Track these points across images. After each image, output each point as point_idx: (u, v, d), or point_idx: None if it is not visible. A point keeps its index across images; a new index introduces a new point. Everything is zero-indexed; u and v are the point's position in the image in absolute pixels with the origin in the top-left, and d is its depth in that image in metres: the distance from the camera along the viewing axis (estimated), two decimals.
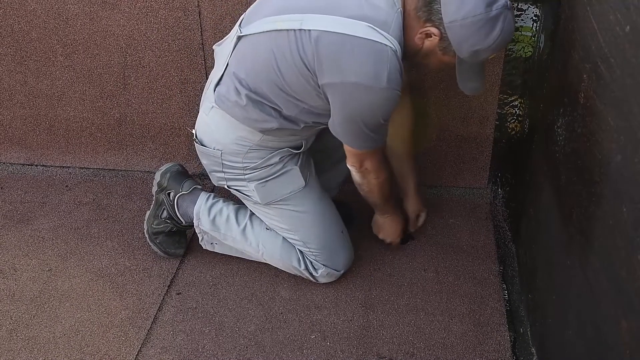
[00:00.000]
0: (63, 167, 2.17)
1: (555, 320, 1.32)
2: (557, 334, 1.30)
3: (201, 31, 1.88)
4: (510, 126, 1.92)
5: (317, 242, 1.61)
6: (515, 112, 1.89)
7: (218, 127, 1.53)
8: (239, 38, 1.45)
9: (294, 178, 1.57)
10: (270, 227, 1.65)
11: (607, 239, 1.04)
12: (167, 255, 1.76)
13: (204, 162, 1.63)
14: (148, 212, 1.77)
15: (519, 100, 1.87)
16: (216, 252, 1.76)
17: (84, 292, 1.68)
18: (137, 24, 1.89)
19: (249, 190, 1.58)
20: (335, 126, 1.41)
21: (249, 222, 1.66)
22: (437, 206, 1.96)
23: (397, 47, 1.30)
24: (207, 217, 1.67)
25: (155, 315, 1.60)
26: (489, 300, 1.63)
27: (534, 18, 1.73)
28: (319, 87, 1.35)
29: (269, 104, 1.43)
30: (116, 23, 1.89)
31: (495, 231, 1.88)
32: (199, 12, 1.85)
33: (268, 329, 1.57)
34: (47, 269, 1.76)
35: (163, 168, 1.77)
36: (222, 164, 1.57)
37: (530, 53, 1.77)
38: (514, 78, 1.83)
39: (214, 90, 1.50)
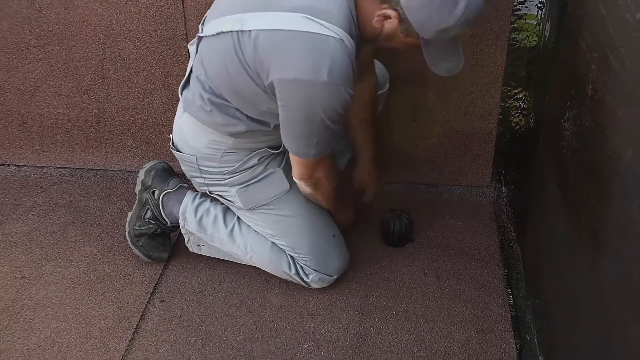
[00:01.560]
0: (37, 166, 2.15)
1: (563, 326, 1.32)
2: (565, 340, 1.30)
3: (185, 21, 1.87)
4: (515, 120, 1.92)
5: (307, 248, 1.61)
6: (520, 105, 1.89)
7: (190, 132, 1.54)
8: (199, 39, 1.45)
9: (277, 181, 1.57)
10: (257, 231, 1.65)
11: (618, 240, 1.04)
12: (150, 259, 1.75)
13: (183, 168, 1.63)
14: (130, 213, 1.76)
15: (524, 92, 1.87)
16: (202, 257, 1.76)
17: (61, 301, 1.67)
18: (116, 13, 1.88)
19: (231, 195, 1.58)
20: (282, 131, 1.38)
21: (237, 224, 1.66)
22: (437, 206, 1.96)
23: (344, 35, 1.26)
24: (194, 217, 1.66)
25: (137, 325, 1.60)
26: (493, 305, 1.64)
27: (539, 5, 1.73)
28: (266, 88, 1.33)
29: (232, 106, 1.42)
30: (93, 12, 1.88)
31: (499, 232, 1.89)
32: (183, 1, 1.84)
33: (258, 338, 1.56)
34: (20, 276, 1.74)
35: (147, 165, 1.77)
36: (200, 169, 1.58)
37: (535, 42, 1.78)
38: (518, 69, 1.83)
39: (181, 94, 1.52)
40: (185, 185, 1.74)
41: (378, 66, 1.71)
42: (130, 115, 2.04)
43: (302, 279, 1.64)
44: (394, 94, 1.83)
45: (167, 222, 1.72)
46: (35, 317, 1.62)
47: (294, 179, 1.50)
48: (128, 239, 1.75)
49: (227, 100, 1.42)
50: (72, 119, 2.07)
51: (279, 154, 1.56)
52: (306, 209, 1.61)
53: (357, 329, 1.58)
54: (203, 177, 1.59)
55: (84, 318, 1.62)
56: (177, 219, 1.70)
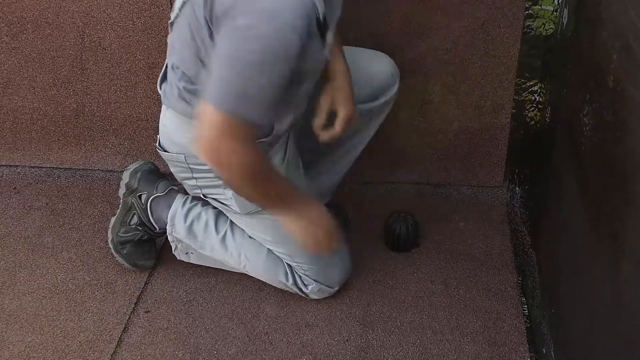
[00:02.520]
0: (10, 166, 2.15)
1: (582, 338, 1.32)
2: (584, 354, 1.30)
3: (171, 7, 1.86)
4: (529, 115, 1.92)
5: (307, 256, 1.61)
6: (535, 98, 1.90)
7: (174, 128, 1.54)
8: (172, 26, 1.45)
9: None
10: (253, 237, 1.65)
11: None
12: (135, 267, 1.75)
13: (173, 171, 1.63)
14: (113, 219, 1.76)
15: (539, 84, 1.87)
16: (191, 264, 1.76)
17: (36, 312, 1.66)
18: None
19: (227, 198, 1.57)
20: (208, 69, 1.27)
21: (229, 230, 1.66)
22: (446, 208, 1.96)
23: None
24: (183, 223, 1.66)
25: (119, 338, 1.60)
26: (506, 316, 1.64)
27: None
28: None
29: None
30: None
31: (513, 236, 1.89)
32: None
33: (251, 352, 1.56)
34: None
35: (132, 167, 1.76)
36: (191, 169, 1.56)
37: (551, 30, 1.78)
38: (533, 59, 1.83)
39: (160, 88, 1.52)
40: (176, 187, 1.74)
41: (385, 61, 1.70)
42: (112, 110, 2.04)
43: (300, 289, 1.64)
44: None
45: (155, 228, 1.72)
46: (8, 329, 1.62)
47: (195, 146, 1.30)
48: (111, 246, 1.74)
49: (201, 82, 1.38)
50: (49, 114, 2.07)
51: (278, 151, 1.55)
52: None
53: (359, 341, 1.58)
54: (195, 178, 1.58)
55: (61, 331, 1.62)
56: (167, 225, 1.70)
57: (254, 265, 1.66)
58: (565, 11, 1.67)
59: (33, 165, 2.15)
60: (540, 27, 1.79)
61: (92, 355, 1.55)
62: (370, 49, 1.71)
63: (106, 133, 2.08)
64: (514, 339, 1.58)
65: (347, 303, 1.68)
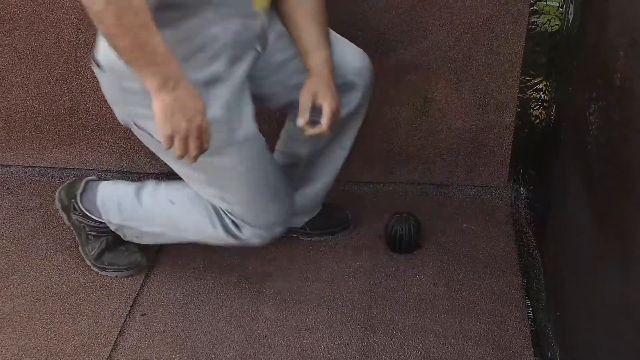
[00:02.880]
0: (3, 165, 2.15)
1: (588, 342, 1.32)
2: (590, 357, 1.30)
3: None
4: (534, 114, 1.92)
5: (241, 199, 1.52)
6: (540, 96, 1.90)
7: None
8: None
9: (218, 128, 1.40)
10: (180, 175, 1.57)
11: None
12: (127, 270, 1.76)
13: (107, 94, 1.51)
14: (80, 247, 1.79)
15: (544, 82, 1.87)
16: (188, 265, 1.77)
17: (29, 315, 1.66)
18: None
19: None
20: None
21: (152, 200, 1.65)
22: (449, 209, 1.96)
23: None
24: (112, 205, 1.68)
25: (115, 341, 1.60)
26: (510, 319, 1.64)
27: None
28: None
29: None
30: None
31: (517, 237, 1.89)
32: None
33: (250, 356, 1.56)
34: None
35: (57, 192, 1.78)
36: (122, 88, 1.42)
37: (557, 27, 1.78)
38: (538, 56, 1.84)
39: None
40: (93, 177, 1.76)
41: (357, 56, 1.58)
42: (107, 108, 2.01)
43: (234, 235, 1.56)
44: (400, 84, 1.83)
45: (103, 223, 1.72)
46: (1, 333, 1.62)
47: None
48: (96, 269, 1.77)
49: None
50: (43, 112, 2.07)
51: (219, 84, 1.40)
52: (250, 159, 1.49)
53: (360, 345, 1.58)
54: (125, 99, 1.45)
55: (55, 334, 1.62)
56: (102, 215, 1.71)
57: (182, 222, 1.62)
58: (571, 7, 1.67)
59: (26, 164, 2.15)
60: (545, 24, 1.79)
61: (87, 359, 1.55)
62: (351, 39, 1.60)
63: (101, 132, 2.08)
64: (519, 342, 1.58)
65: (347, 306, 1.68)
